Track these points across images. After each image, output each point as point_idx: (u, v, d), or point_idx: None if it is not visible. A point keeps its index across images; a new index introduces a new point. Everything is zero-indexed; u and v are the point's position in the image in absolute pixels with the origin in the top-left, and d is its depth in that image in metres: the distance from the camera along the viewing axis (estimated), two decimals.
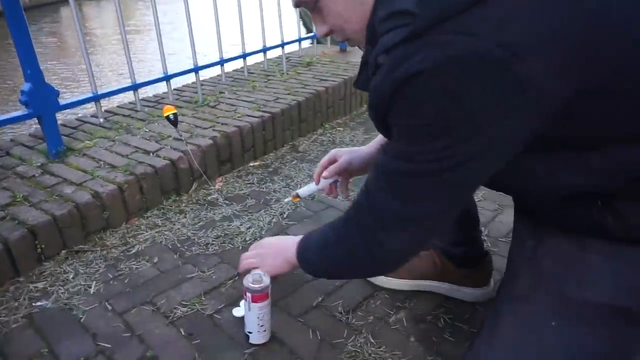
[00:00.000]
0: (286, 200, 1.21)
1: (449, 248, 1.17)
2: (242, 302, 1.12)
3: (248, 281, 1.00)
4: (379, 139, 1.12)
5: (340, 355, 1.01)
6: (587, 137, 0.65)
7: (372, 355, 1.01)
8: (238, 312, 1.12)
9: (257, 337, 1.03)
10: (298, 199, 1.17)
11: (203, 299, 1.18)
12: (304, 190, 1.16)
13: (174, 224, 1.52)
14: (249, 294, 0.99)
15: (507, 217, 1.53)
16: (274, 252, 1.14)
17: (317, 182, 1.14)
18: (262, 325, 1.02)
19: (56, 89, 1.65)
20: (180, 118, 1.99)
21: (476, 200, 1.47)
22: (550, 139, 0.65)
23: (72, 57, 6.42)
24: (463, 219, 1.15)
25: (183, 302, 1.17)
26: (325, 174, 1.11)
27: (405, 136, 0.67)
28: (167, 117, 1.55)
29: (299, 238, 1.01)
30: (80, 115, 2.17)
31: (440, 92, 0.60)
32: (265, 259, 1.16)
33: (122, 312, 1.14)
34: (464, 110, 0.60)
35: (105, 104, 2.02)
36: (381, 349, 1.03)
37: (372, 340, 1.05)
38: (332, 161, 1.13)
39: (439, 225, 0.77)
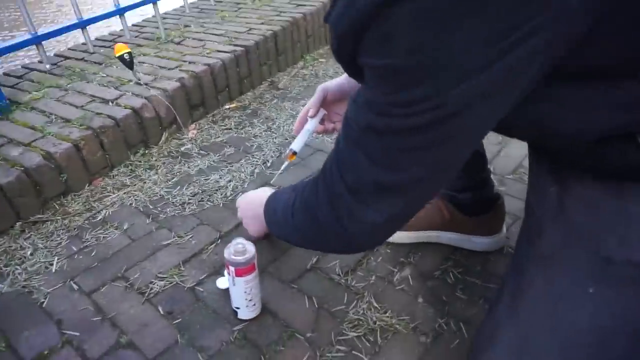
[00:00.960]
0: (284, 165, 1.01)
1: (456, 195, 1.04)
2: (226, 272, 0.99)
3: (229, 253, 0.85)
4: None
5: (341, 325, 0.90)
6: (620, 61, 0.49)
7: (378, 323, 0.90)
8: (222, 283, 0.99)
9: (246, 312, 0.90)
10: (295, 156, 0.99)
11: (182, 269, 1.04)
12: (297, 144, 0.97)
13: (145, 182, 1.35)
14: (232, 268, 0.85)
15: (513, 151, 1.39)
16: (252, 212, 1.01)
17: (297, 132, 0.97)
18: (250, 300, 0.89)
19: None
20: (141, 58, 1.76)
21: None
22: (574, 71, 0.50)
23: None
24: (469, 160, 1.01)
25: (160, 275, 1.03)
26: (310, 112, 0.94)
27: (379, 82, 0.50)
28: (121, 58, 1.33)
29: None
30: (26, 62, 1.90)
31: (424, 18, 0.42)
32: (248, 221, 1.04)
33: (90, 292, 1.00)
34: (459, 41, 0.43)
35: (54, 47, 1.76)
36: (387, 314, 0.92)
37: (376, 305, 0.93)
38: (321, 98, 0.95)
39: (425, 194, 0.61)
